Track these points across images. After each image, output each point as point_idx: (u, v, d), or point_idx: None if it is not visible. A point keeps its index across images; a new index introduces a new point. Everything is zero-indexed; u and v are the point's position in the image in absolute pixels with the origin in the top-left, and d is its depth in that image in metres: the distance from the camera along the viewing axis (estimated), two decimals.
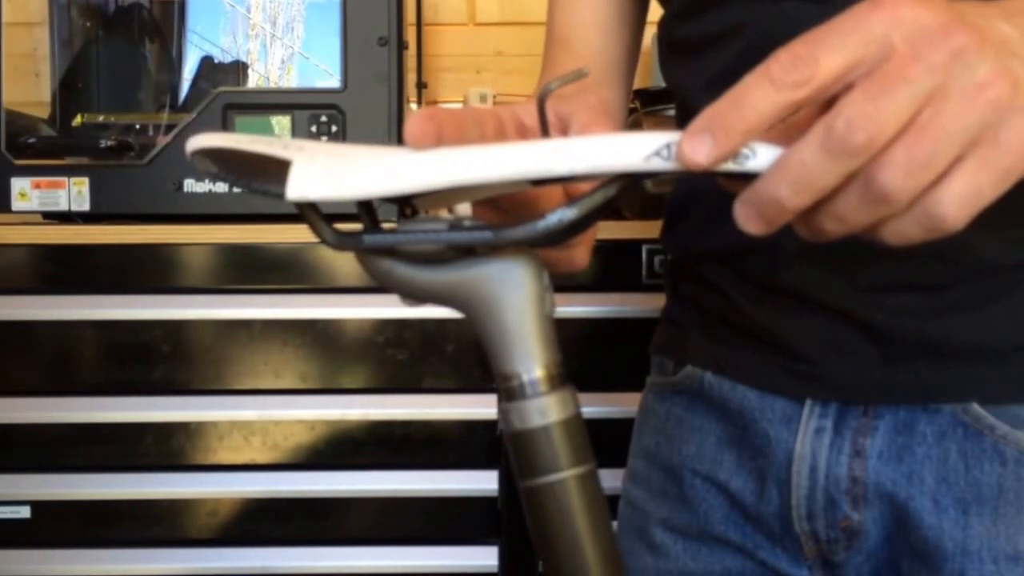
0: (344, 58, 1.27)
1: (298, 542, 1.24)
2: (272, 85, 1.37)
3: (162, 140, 1.28)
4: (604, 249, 1.17)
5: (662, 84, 1.32)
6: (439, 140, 0.42)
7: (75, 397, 1.24)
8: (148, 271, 1.22)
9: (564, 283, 1.05)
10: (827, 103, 0.36)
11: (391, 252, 0.41)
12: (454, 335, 1.23)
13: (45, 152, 1.28)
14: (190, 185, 1.26)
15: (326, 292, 1.23)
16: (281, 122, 1.28)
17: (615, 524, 0.78)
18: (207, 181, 1.26)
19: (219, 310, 1.22)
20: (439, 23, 1.84)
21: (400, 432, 1.24)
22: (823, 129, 0.35)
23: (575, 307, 1.22)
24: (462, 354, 1.23)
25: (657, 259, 1.21)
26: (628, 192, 0.39)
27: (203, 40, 1.37)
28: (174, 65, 1.39)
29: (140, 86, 1.39)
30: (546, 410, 0.41)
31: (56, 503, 1.24)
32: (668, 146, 0.36)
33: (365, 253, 0.42)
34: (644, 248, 1.21)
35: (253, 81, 1.37)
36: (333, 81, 1.29)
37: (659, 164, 0.36)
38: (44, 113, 1.36)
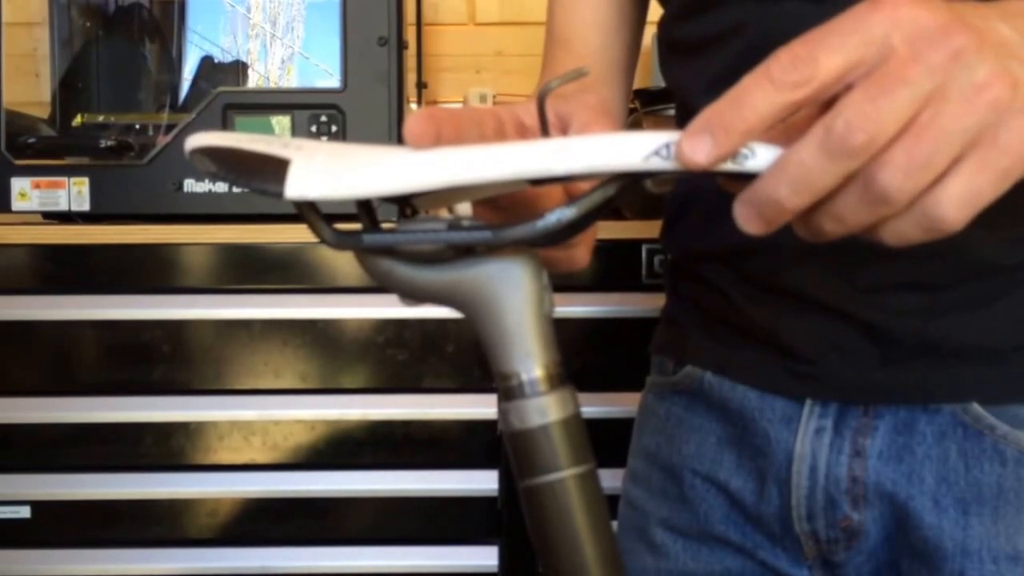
0: (344, 58, 1.27)
1: (298, 542, 1.24)
2: (272, 85, 1.37)
3: (162, 140, 1.28)
4: (604, 249, 1.17)
5: (662, 84, 1.32)
6: (438, 140, 0.42)
7: (75, 397, 1.24)
8: (148, 271, 1.22)
9: (564, 283, 1.05)
10: (827, 104, 0.36)
11: (390, 252, 0.41)
12: (454, 335, 1.23)
13: (45, 152, 1.28)
14: (190, 185, 1.26)
15: (326, 292, 1.23)
16: (281, 122, 1.28)
17: (615, 524, 0.78)
18: (207, 181, 1.26)
19: (219, 310, 1.22)
20: (439, 23, 1.84)
21: (400, 432, 1.24)
22: (823, 129, 0.35)
23: (575, 307, 1.22)
24: (462, 354, 1.23)
25: (657, 259, 1.21)
26: (627, 192, 0.39)
27: (203, 40, 1.37)
28: (174, 65, 1.39)
29: (140, 86, 1.39)
30: (545, 410, 0.41)
31: (56, 503, 1.24)
32: (667, 146, 0.36)
33: (364, 253, 0.42)
34: (644, 248, 1.21)
35: (253, 81, 1.37)
36: (333, 81, 1.29)
37: (658, 164, 0.36)
38: (44, 113, 1.36)
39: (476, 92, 1.72)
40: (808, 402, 0.63)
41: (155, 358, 1.23)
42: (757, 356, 0.66)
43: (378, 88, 1.26)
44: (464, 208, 0.49)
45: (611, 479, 0.62)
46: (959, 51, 0.34)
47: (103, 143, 1.26)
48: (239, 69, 1.37)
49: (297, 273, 1.22)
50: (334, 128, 1.27)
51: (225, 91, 1.29)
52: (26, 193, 1.27)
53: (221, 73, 1.36)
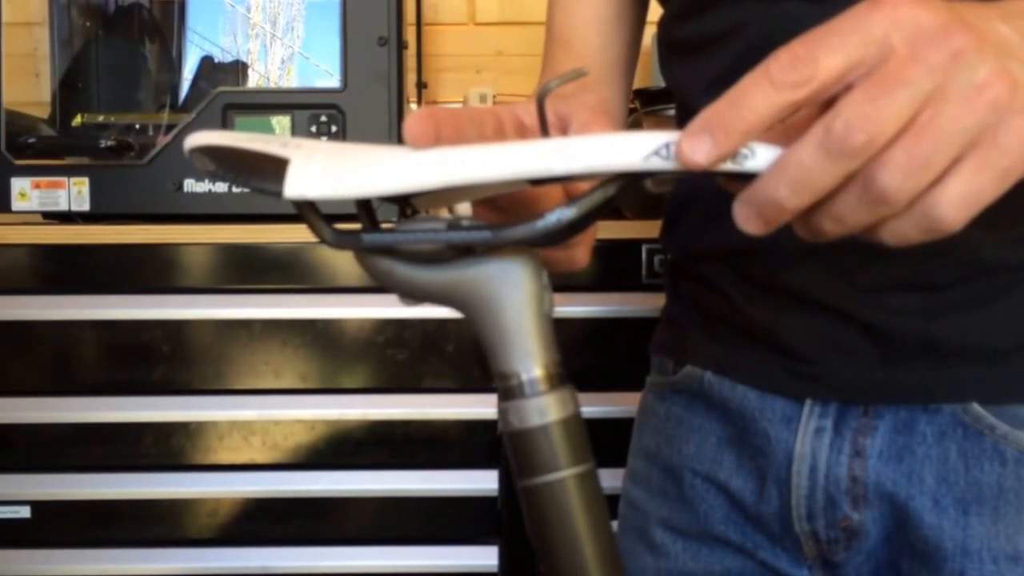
0: (344, 58, 1.27)
1: (298, 542, 1.24)
2: (272, 85, 1.37)
3: (162, 140, 1.28)
4: (604, 249, 1.17)
5: (662, 84, 1.32)
6: (438, 139, 0.41)
7: (75, 397, 1.24)
8: (148, 271, 1.22)
9: (564, 283, 1.05)
10: (826, 104, 0.36)
11: (390, 251, 0.41)
12: (454, 335, 1.23)
13: (45, 152, 1.28)
14: (190, 185, 1.26)
15: (326, 292, 1.23)
16: (281, 122, 1.28)
17: (615, 524, 0.78)
18: (207, 181, 1.26)
19: (219, 310, 1.22)
20: (439, 23, 1.84)
21: (400, 432, 1.24)
22: (822, 130, 0.35)
23: (575, 307, 1.22)
24: (462, 354, 1.23)
25: (657, 259, 1.21)
26: (627, 192, 0.39)
27: (203, 40, 1.37)
28: (174, 65, 1.39)
29: (140, 86, 1.39)
30: (545, 409, 0.41)
31: (56, 503, 1.24)
32: (667, 146, 0.36)
33: (364, 252, 0.42)
34: (644, 248, 1.21)
35: (253, 81, 1.37)
36: (333, 81, 1.29)
37: (658, 164, 0.36)
38: (44, 113, 1.36)
39: (476, 92, 1.72)
40: (808, 402, 0.63)
41: (155, 358, 1.23)
42: (757, 356, 0.66)
43: (378, 88, 1.26)
44: (464, 208, 0.49)
45: (611, 479, 0.62)
46: (959, 51, 0.34)
47: (103, 143, 1.26)
48: (239, 69, 1.37)
49: (297, 273, 1.22)
50: (334, 128, 1.27)
51: (225, 91, 1.29)
52: (26, 193, 1.27)
53: (221, 73, 1.36)
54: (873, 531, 0.63)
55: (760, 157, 0.36)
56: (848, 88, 0.35)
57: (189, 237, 1.22)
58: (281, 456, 1.24)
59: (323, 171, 0.38)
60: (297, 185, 0.38)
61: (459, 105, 1.75)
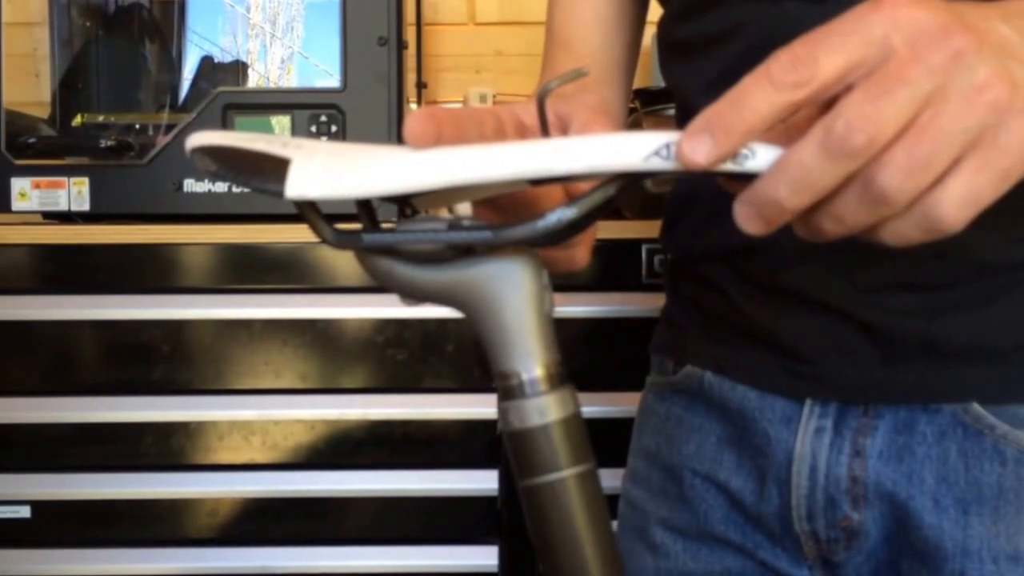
0: (344, 58, 1.27)
1: (298, 542, 1.24)
2: (272, 85, 1.37)
3: (162, 140, 1.28)
4: (604, 249, 1.17)
5: (662, 84, 1.32)
6: (438, 139, 0.42)
7: (75, 397, 1.24)
8: (148, 271, 1.22)
9: (564, 283, 1.05)
10: (827, 104, 0.36)
11: (391, 251, 0.41)
12: (454, 335, 1.23)
13: (45, 152, 1.28)
14: (190, 185, 1.27)
15: (326, 292, 1.23)
16: (281, 122, 1.28)
17: (614, 524, 0.78)
18: (207, 181, 1.26)
19: (219, 310, 1.22)
20: (439, 23, 1.84)
21: (399, 432, 1.24)
22: (823, 130, 0.35)
23: (575, 307, 1.22)
24: (462, 354, 1.23)
25: (657, 259, 1.21)
26: (627, 192, 0.39)
27: (203, 40, 1.37)
28: (174, 65, 1.39)
29: (140, 86, 1.39)
30: (545, 409, 0.41)
31: (56, 503, 1.24)
32: (667, 146, 0.36)
33: (365, 252, 0.42)
34: (644, 248, 1.21)
35: (253, 81, 1.37)
36: (333, 81, 1.29)
37: (658, 164, 0.36)
38: (44, 113, 1.36)
39: (476, 92, 1.72)
40: (808, 402, 0.63)
41: (155, 358, 1.23)
42: (757, 356, 0.66)
43: (378, 88, 1.26)
44: (464, 208, 0.49)
45: (611, 479, 0.62)
46: (959, 52, 0.34)
47: (103, 143, 1.26)
48: (239, 69, 1.37)
49: (297, 273, 1.22)
50: (334, 128, 1.27)
51: (225, 91, 1.29)
52: (26, 193, 1.27)
53: (221, 73, 1.36)
54: (873, 531, 0.63)
55: (760, 157, 0.36)
56: (848, 89, 0.35)
57: (189, 237, 1.22)
58: (281, 456, 1.24)
59: (324, 171, 0.38)
60: (298, 185, 0.38)
61: (459, 105, 1.75)
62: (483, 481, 1.24)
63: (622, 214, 1.29)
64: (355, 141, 1.24)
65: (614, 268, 1.22)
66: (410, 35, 1.53)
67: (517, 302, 0.41)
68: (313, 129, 1.27)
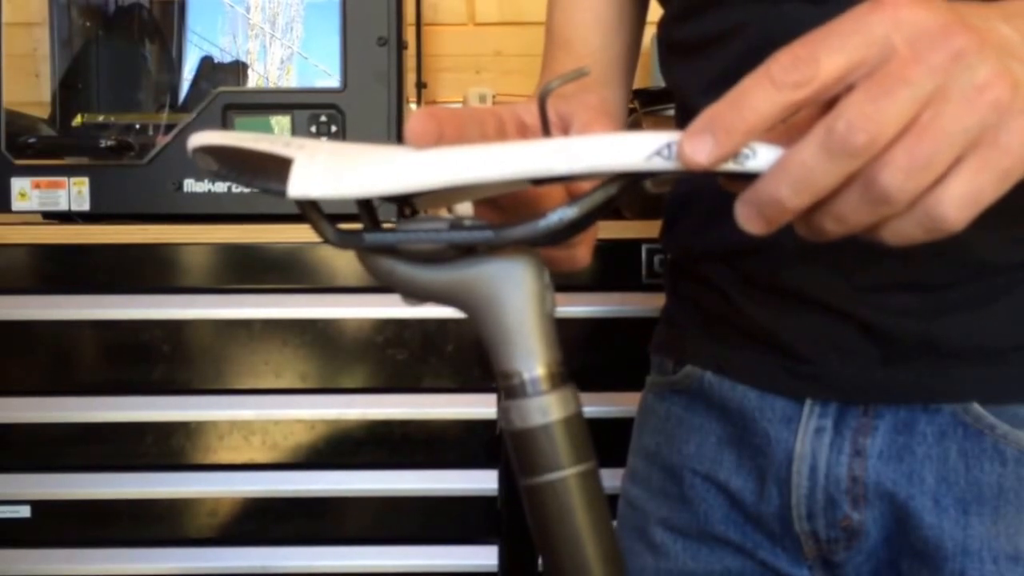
0: (344, 58, 1.27)
1: (297, 542, 1.24)
2: (272, 85, 1.37)
3: (162, 140, 1.28)
4: (604, 249, 1.17)
5: (662, 84, 1.32)
6: (440, 139, 0.42)
7: (75, 397, 1.24)
8: (148, 271, 1.22)
9: (564, 283, 1.05)
10: (828, 104, 0.36)
11: (392, 251, 0.41)
12: (454, 335, 1.23)
13: (45, 152, 1.28)
14: (190, 185, 1.27)
15: (326, 292, 1.23)
16: (281, 122, 1.28)
17: (614, 524, 0.78)
18: (207, 181, 1.26)
19: (219, 310, 1.22)
20: (439, 23, 1.84)
21: (399, 432, 1.24)
22: (824, 130, 0.35)
23: (575, 307, 1.22)
24: (462, 354, 1.23)
25: (657, 259, 1.21)
26: (628, 191, 0.39)
27: (203, 40, 1.37)
28: (174, 65, 1.39)
29: (140, 86, 1.39)
30: (547, 408, 0.41)
31: (56, 503, 1.24)
32: (669, 146, 0.36)
33: (366, 252, 0.42)
34: (644, 248, 1.21)
35: (253, 81, 1.37)
36: (333, 81, 1.29)
37: (660, 164, 0.36)
38: (44, 113, 1.36)
39: (476, 92, 1.72)
40: (808, 402, 0.63)
41: (155, 358, 1.23)
42: (757, 356, 0.66)
43: (378, 88, 1.26)
44: (465, 208, 0.49)
45: (611, 479, 0.62)
46: (960, 52, 0.34)
47: (103, 143, 1.26)
48: (239, 69, 1.37)
49: (297, 273, 1.22)
50: (334, 128, 1.27)
51: (225, 91, 1.29)
52: (26, 193, 1.27)
53: (221, 73, 1.36)
54: (873, 531, 0.63)
55: (761, 157, 0.36)
56: (849, 88, 0.35)
57: (189, 237, 1.22)
58: (281, 456, 1.24)
59: (326, 171, 0.38)
60: (300, 185, 0.38)
61: (459, 105, 1.75)
62: (483, 481, 1.24)
63: (622, 214, 1.29)
64: (355, 141, 1.24)
65: (614, 268, 1.22)
66: (410, 35, 1.53)
67: (518, 301, 0.41)
68: (313, 129, 1.27)
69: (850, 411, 0.62)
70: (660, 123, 1.34)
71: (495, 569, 1.24)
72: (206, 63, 1.37)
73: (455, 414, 1.24)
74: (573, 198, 0.39)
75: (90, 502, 1.23)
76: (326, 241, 0.41)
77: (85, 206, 1.26)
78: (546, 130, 0.49)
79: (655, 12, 0.75)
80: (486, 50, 1.85)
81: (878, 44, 0.35)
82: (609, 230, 1.21)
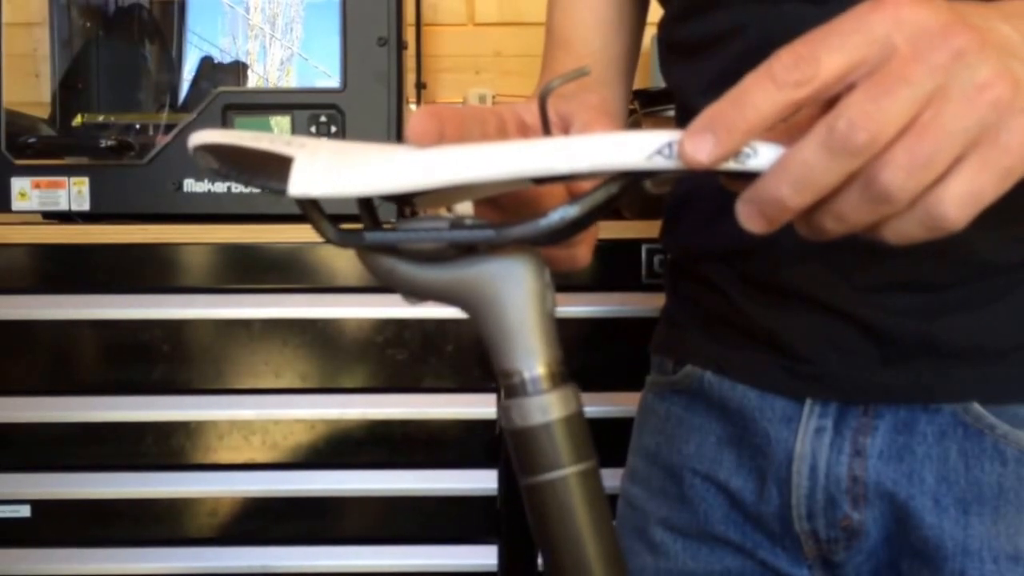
0: (343, 58, 1.27)
1: (297, 541, 1.24)
2: (271, 85, 1.37)
3: (162, 140, 1.28)
4: (604, 249, 1.16)
5: (662, 84, 1.32)
6: (441, 138, 0.42)
7: (75, 397, 1.24)
8: (148, 271, 1.22)
9: (564, 283, 1.05)
10: (828, 103, 0.36)
11: (393, 250, 0.41)
12: (454, 335, 1.23)
13: (45, 152, 1.28)
14: (190, 185, 1.27)
15: (326, 292, 1.23)
16: (280, 122, 1.28)
17: (614, 523, 0.78)
18: (207, 181, 1.26)
19: (219, 310, 1.22)
20: (438, 23, 1.84)
21: (399, 432, 1.24)
22: (825, 129, 0.35)
23: (575, 307, 1.22)
24: (462, 354, 1.23)
25: (657, 259, 1.21)
26: (629, 190, 0.40)
27: (203, 40, 1.37)
28: (174, 65, 1.39)
29: (140, 86, 1.39)
30: (547, 407, 0.41)
31: (56, 503, 1.24)
32: (670, 145, 0.36)
33: (367, 251, 0.42)
34: (644, 248, 1.21)
35: (253, 81, 1.37)
36: (332, 81, 1.29)
37: (661, 163, 0.36)
38: (44, 113, 1.36)
39: (475, 93, 1.72)
40: (808, 402, 0.64)
41: (155, 358, 1.23)
42: (757, 356, 0.66)
43: (377, 88, 1.26)
44: (466, 207, 0.50)
45: (611, 479, 0.62)
46: (960, 51, 0.34)
47: (103, 143, 1.26)
48: (239, 69, 1.37)
49: (297, 273, 1.22)
50: (333, 128, 1.27)
51: (225, 91, 1.29)
52: (26, 193, 1.27)
53: (221, 73, 1.36)
54: (873, 531, 0.63)
55: (762, 156, 0.36)
56: (850, 87, 0.35)
57: (189, 237, 1.22)
58: (281, 456, 1.24)
59: (327, 169, 0.38)
60: (301, 183, 0.38)
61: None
62: (482, 481, 1.24)
63: (622, 214, 1.29)
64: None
65: (614, 268, 1.22)
66: (409, 35, 1.53)
67: (519, 300, 0.41)
68: (313, 129, 1.27)
69: (850, 411, 0.62)
70: (660, 123, 1.34)
71: (495, 569, 1.24)
72: (206, 63, 1.37)
73: (455, 414, 1.24)
74: (574, 197, 0.39)
75: (90, 502, 1.23)
76: (327, 240, 0.41)
77: (85, 206, 1.26)
78: (547, 129, 0.49)
79: (655, 12, 0.75)
80: (486, 50, 1.85)
81: (879, 43, 0.35)
82: (609, 230, 1.21)
